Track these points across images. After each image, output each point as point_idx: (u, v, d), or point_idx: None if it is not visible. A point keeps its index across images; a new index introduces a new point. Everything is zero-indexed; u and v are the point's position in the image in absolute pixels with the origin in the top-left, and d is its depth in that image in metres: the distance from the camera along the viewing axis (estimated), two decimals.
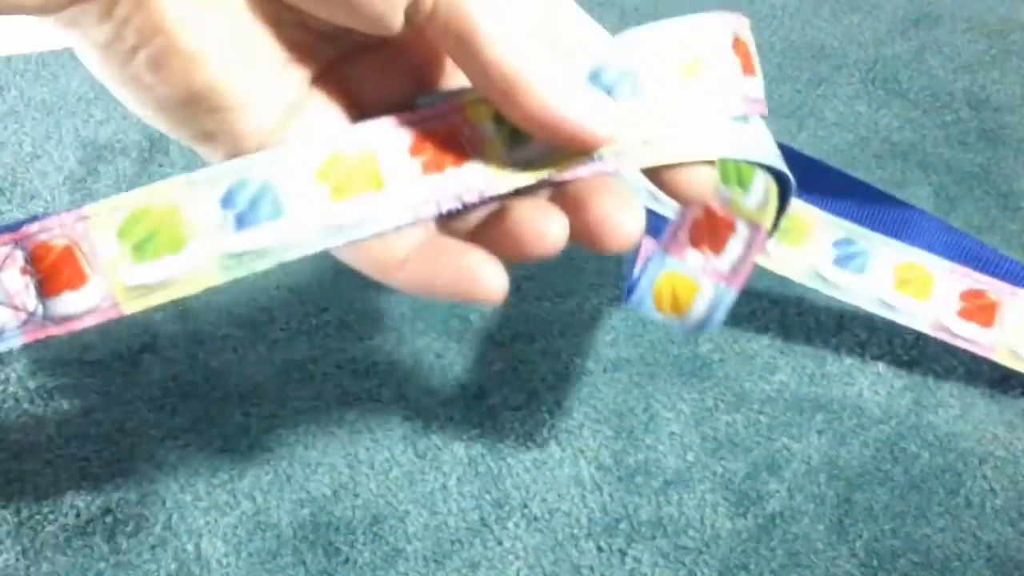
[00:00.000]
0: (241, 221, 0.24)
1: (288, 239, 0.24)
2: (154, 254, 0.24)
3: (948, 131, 0.60)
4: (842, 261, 0.43)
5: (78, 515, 0.39)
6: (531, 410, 0.43)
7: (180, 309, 0.48)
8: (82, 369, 0.45)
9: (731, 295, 0.35)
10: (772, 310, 0.48)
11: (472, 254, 0.25)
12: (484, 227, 0.26)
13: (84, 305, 0.24)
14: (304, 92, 0.26)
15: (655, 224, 0.38)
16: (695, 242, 0.35)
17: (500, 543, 0.38)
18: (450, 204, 0.25)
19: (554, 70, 0.24)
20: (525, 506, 0.39)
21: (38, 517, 0.39)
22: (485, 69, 0.24)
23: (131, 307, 0.24)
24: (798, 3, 0.73)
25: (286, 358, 0.46)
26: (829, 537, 0.38)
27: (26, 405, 0.44)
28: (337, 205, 0.24)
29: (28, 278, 0.24)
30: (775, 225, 0.32)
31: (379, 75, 0.27)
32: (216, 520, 0.39)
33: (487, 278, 0.25)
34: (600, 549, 0.37)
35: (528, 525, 0.38)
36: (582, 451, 0.41)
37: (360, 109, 0.27)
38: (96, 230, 0.24)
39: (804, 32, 0.70)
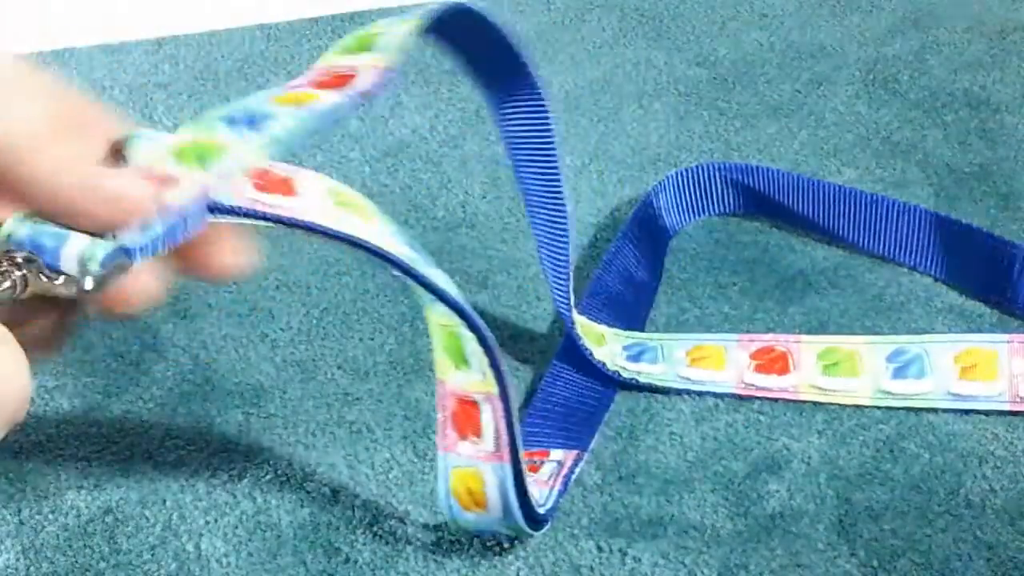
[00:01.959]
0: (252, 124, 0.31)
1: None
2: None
3: (948, 131, 0.60)
4: (901, 372, 0.42)
5: (78, 515, 0.39)
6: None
7: (180, 309, 0.48)
8: (82, 369, 0.45)
9: (507, 471, 0.34)
10: (772, 309, 0.48)
11: None
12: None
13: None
14: None
15: None
16: (461, 432, 0.35)
17: (500, 543, 0.38)
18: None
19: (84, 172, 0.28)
20: None
21: (38, 517, 0.39)
22: (38, 204, 0.28)
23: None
24: (798, 3, 0.73)
25: (286, 358, 0.46)
26: (829, 537, 0.38)
27: None
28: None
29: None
30: (499, 382, 0.34)
31: None
32: (216, 520, 0.39)
33: None
34: (600, 549, 0.37)
35: None
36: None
37: None
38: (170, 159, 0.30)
39: (804, 32, 0.70)
